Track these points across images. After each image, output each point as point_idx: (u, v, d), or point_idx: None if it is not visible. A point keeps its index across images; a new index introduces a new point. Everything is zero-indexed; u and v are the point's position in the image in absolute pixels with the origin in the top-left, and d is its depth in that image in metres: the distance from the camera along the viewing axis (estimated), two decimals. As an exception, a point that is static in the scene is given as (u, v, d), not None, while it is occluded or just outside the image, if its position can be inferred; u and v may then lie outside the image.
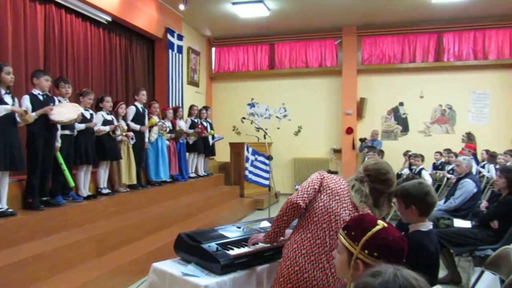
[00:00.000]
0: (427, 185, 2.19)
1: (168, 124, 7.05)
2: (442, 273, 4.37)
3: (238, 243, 2.52)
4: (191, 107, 8.24)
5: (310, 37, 10.40)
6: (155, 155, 6.62)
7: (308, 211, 2.11)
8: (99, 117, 5.41)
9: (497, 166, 6.61)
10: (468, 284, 3.64)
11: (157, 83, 8.70)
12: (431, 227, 2.14)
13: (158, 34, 8.27)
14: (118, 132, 5.61)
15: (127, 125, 5.99)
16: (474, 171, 6.73)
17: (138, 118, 6.21)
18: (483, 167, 7.86)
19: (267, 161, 8.65)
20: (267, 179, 8.95)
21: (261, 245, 2.44)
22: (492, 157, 7.70)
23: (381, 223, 1.43)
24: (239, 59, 11.05)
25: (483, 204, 4.66)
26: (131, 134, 5.91)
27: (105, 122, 5.46)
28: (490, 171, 7.25)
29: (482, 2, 8.33)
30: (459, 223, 4.42)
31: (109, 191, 5.58)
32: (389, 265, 1.07)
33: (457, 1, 8.22)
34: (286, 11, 8.91)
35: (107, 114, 5.56)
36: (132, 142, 5.95)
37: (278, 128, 10.71)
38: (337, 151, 10.32)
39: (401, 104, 10.13)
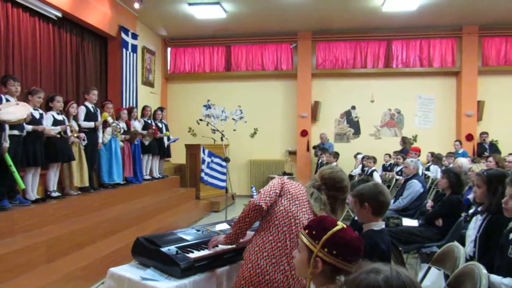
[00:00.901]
0: (381, 185, 2.31)
1: (122, 125, 6.86)
2: (391, 270, 4.57)
3: (198, 245, 2.51)
4: (144, 108, 8.08)
5: (266, 40, 10.54)
6: (109, 156, 6.43)
7: (270, 215, 2.17)
8: (49, 117, 5.17)
9: (443, 168, 7.02)
10: (415, 280, 3.83)
11: (110, 82, 8.44)
12: (383, 226, 2.26)
13: (111, 32, 8.04)
14: (69, 133, 5.39)
15: (79, 125, 5.77)
16: (420, 172, 7.12)
17: (90, 118, 6.00)
18: (428, 168, 8.33)
19: (223, 163, 8.67)
20: (223, 181, 8.95)
21: (221, 247, 2.46)
22: (438, 159, 8.19)
23: (340, 224, 1.52)
24: (195, 60, 10.97)
25: (429, 203, 4.95)
26: (82, 135, 5.70)
27: (56, 122, 5.23)
28: (436, 172, 7.69)
29: (427, 13, 8.83)
30: (407, 222, 4.66)
31: (59, 194, 5.34)
32: (380, 263, 1.11)
33: (405, 11, 8.66)
34: (243, 14, 8.97)
35: (58, 114, 5.32)
36: (84, 143, 5.74)
37: (234, 130, 10.75)
38: (292, 153, 10.51)
39: (353, 107, 10.50)
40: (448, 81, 10.15)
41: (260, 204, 2.13)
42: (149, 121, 7.96)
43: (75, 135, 5.52)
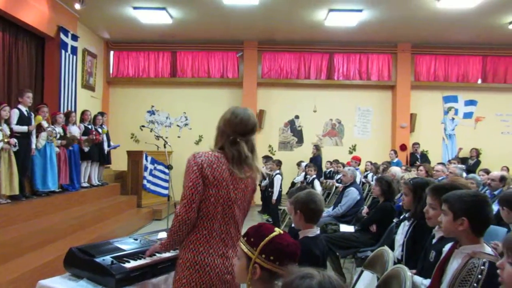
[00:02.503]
0: (314, 193, 2.40)
1: (58, 129, 6.54)
2: (329, 274, 4.74)
3: (135, 255, 2.46)
4: (84, 112, 7.76)
5: (212, 48, 10.56)
6: (43, 163, 6.09)
7: (201, 210, 2.03)
8: (-25, 120, 4.82)
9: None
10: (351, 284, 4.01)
11: (47, 85, 8.02)
12: (318, 232, 2.36)
13: (49, 33, 7.66)
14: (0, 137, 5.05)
15: (11, 130, 5.42)
16: (358, 180, 7.46)
17: (23, 122, 5.66)
18: (366, 176, 8.74)
19: (166, 170, 8.52)
20: (166, 188, 8.80)
21: (158, 256, 2.42)
22: (376, 168, 8.62)
23: (277, 230, 1.57)
24: (140, 64, 10.73)
25: (364, 210, 5.20)
26: (13, 141, 5.35)
27: (-17, 126, 4.88)
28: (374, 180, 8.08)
29: (366, 30, 9.32)
30: (344, 228, 4.87)
31: (-15, 203, 4.98)
32: (309, 268, 1.16)
33: (346, 27, 9.07)
34: (190, 20, 8.94)
35: (-14, 117, 4.97)
36: (14, 149, 5.40)
37: (179, 137, 10.62)
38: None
39: (297, 117, 10.79)
40: (384, 94, 10.75)
41: (189, 217, 1.98)
42: (90, 126, 7.66)
43: (6, 140, 5.18)
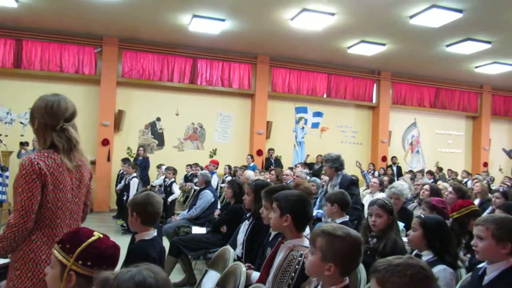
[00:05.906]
0: (152, 196, 2.40)
1: None
2: (180, 276, 4.79)
3: None
4: None
5: (66, 40, 9.68)
6: None
7: (39, 217, 1.93)
8: None
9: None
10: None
11: None
12: (155, 234, 2.36)
13: None
14: None
15: None
16: (214, 183, 7.69)
17: None
18: (223, 180, 9.05)
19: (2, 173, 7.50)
20: (3, 193, 7.72)
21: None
22: (235, 172, 8.99)
23: (96, 234, 1.52)
24: (-26, 50, 9.26)
25: (216, 212, 5.40)
26: None
27: None
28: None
29: (228, 39, 9.70)
30: (196, 230, 4.99)
31: None
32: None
33: (209, 34, 9.27)
34: (39, 7, 8.08)
35: None
36: None
37: (22, 135, 9.42)
38: (92, 163, 9.84)
39: (158, 119, 10.61)
40: (244, 101, 11.31)
41: (27, 227, 1.88)
42: None
43: None
